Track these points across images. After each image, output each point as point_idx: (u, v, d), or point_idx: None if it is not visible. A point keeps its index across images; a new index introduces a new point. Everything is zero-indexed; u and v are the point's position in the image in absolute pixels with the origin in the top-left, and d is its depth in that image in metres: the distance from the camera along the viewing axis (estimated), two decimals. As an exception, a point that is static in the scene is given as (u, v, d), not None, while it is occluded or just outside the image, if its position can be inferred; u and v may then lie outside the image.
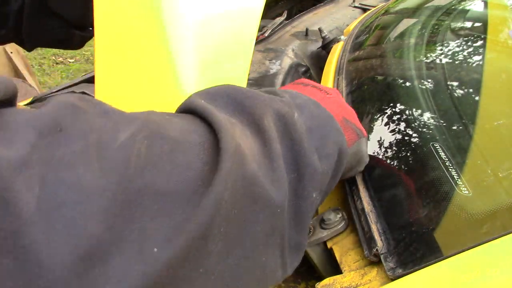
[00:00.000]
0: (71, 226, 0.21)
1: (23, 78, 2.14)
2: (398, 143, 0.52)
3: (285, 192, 0.30)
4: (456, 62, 0.64)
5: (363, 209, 0.46)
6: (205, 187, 0.25)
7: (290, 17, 1.17)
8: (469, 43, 0.67)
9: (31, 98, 1.05)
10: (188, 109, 0.32)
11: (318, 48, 0.98)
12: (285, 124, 0.33)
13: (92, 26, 0.68)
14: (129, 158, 0.24)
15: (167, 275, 0.23)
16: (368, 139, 0.47)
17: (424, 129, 0.52)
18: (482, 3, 0.85)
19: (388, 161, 0.51)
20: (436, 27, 0.76)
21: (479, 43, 0.67)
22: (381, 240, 0.43)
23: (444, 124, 0.51)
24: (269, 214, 0.29)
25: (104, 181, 0.22)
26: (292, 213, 0.32)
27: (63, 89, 1.08)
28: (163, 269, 0.23)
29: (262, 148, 0.31)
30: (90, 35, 0.72)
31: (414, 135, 0.52)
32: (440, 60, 0.65)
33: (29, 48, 0.72)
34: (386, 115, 0.56)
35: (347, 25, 1.05)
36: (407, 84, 0.62)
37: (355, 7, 1.23)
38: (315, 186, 0.33)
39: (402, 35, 0.79)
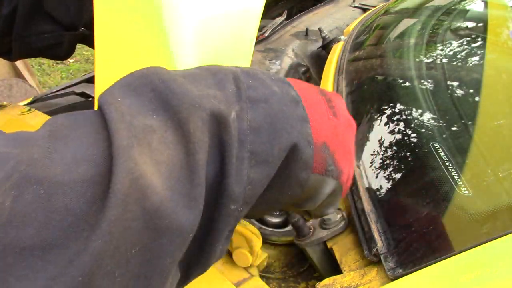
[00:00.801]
0: None
1: (23, 78, 2.14)
2: (398, 143, 0.52)
3: (200, 211, 0.28)
4: (456, 62, 0.64)
5: (363, 209, 0.46)
6: (91, 230, 0.23)
7: (290, 17, 1.17)
8: (469, 43, 0.67)
9: (31, 98, 1.05)
10: (100, 109, 0.28)
11: (318, 48, 0.98)
12: (217, 125, 0.30)
13: (84, 26, 0.68)
14: None
15: None
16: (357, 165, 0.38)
17: (424, 129, 0.52)
18: (482, 3, 0.85)
19: (388, 161, 0.51)
20: (436, 27, 0.76)
21: (479, 43, 0.67)
22: (381, 240, 0.43)
23: (444, 124, 0.51)
24: (180, 243, 0.27)
25: None
26: (207, 222, 0.30)
27: (63, 89, 1.08)
28: None
29: (185, 158, 0.28)
30: (79, 39, 0.71)
31: (414, 135, 0.52)
32: (440, 60, 0.65)
33: (14, 57, 0.70)
34: (386, 115, 0.56)
35: (347, 25, 1.05)
36: (407, 84, 0.62)
37: (355, 7, 1.23)
38: (233, 198, 0.30)
39: (402, 35, 0.79)
